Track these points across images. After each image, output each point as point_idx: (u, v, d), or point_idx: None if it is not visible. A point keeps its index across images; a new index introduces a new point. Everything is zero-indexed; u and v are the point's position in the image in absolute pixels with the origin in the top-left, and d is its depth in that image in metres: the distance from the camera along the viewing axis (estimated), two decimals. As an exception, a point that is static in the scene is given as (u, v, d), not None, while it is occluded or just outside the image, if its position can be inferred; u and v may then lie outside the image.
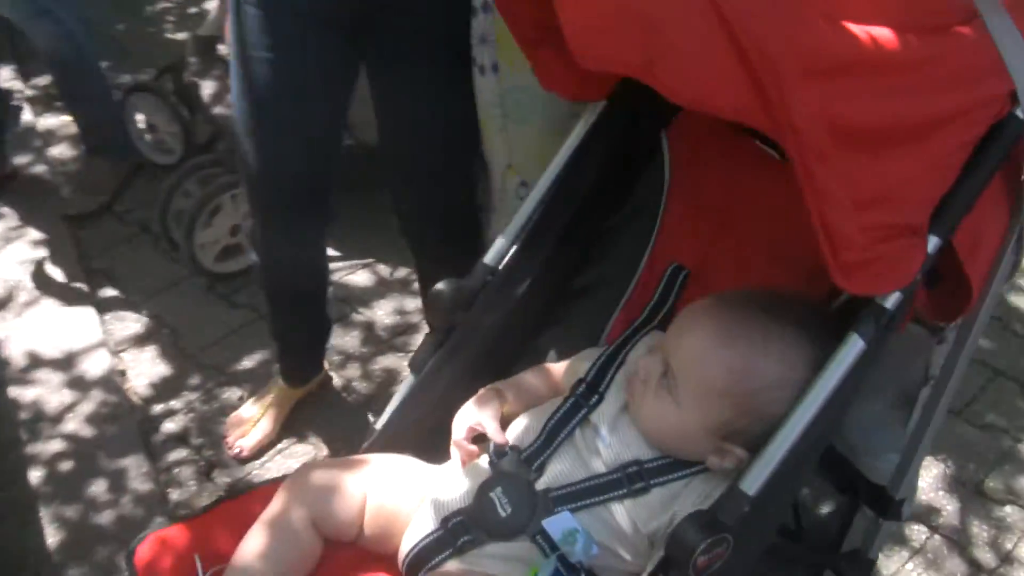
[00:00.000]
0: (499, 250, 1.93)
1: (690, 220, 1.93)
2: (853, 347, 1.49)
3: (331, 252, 3.53)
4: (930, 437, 1.78)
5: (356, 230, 3.58)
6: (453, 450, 1.82)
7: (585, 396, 1.76)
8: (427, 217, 2.64)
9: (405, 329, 3.41)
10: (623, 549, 1.68)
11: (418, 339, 3.35)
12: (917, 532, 2.71)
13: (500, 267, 1.94)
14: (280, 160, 2.44)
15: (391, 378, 3.21)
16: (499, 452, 1.75)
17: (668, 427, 1.65)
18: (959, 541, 2.66)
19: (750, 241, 1.86)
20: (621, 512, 1.66)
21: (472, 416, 1.81)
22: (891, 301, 1.49)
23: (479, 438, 1.81)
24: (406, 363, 3.25)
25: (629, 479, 1.67)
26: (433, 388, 1.95)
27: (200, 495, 2.84)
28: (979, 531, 2.72)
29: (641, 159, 1.97)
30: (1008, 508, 2.79)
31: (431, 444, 1.92)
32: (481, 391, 1.86)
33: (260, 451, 2.96)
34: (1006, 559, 2.66)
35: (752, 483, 1.51)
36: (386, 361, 3.29)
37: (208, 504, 1.82)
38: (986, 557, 2.67)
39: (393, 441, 1.93)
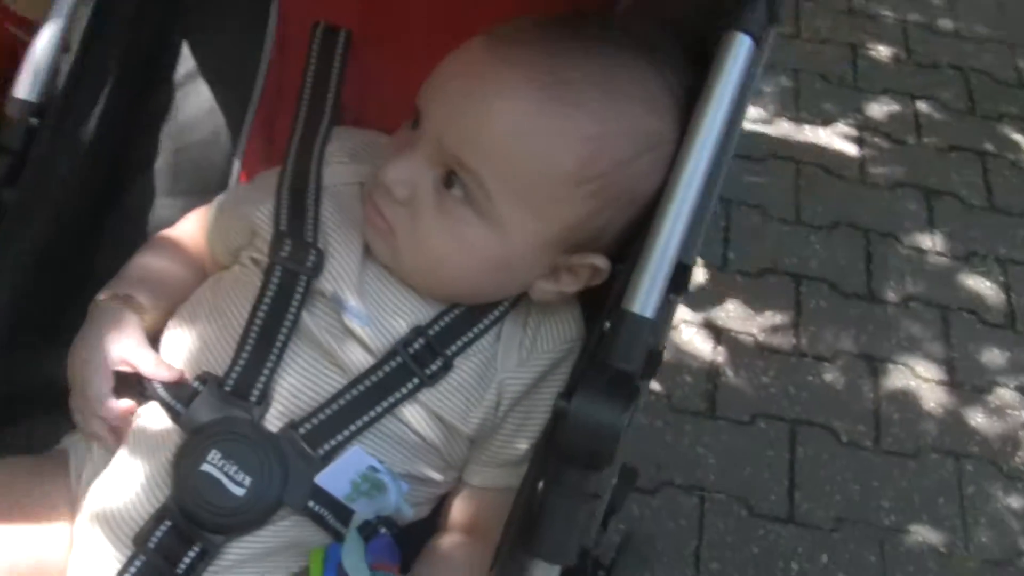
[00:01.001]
0: (40, 76, 1.12)
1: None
2: (740, 50, 0.99)
3: None
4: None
5: None
6: (87, 421, 1.08)
7: (295, 258, 1.09)
8: None
9: None
10: (432, 469, 1.12)
11: None
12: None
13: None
14: None
15: None
16: (182, 394, 1.06)
17: (474, 260, 1.06)
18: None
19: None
20: (419, 415, 1.09)
21: (106, 351, 1.09)
22: (773, -27, 1.01)
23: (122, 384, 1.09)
24: None
25: (417, 360, 1.08)
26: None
27: None
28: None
29: None
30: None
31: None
32: (95, 306, 1.13)
33: None
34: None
35: (647, 299, 0.99)
36: None
37: None
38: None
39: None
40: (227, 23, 1.27)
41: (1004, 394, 2.35)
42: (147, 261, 1.19)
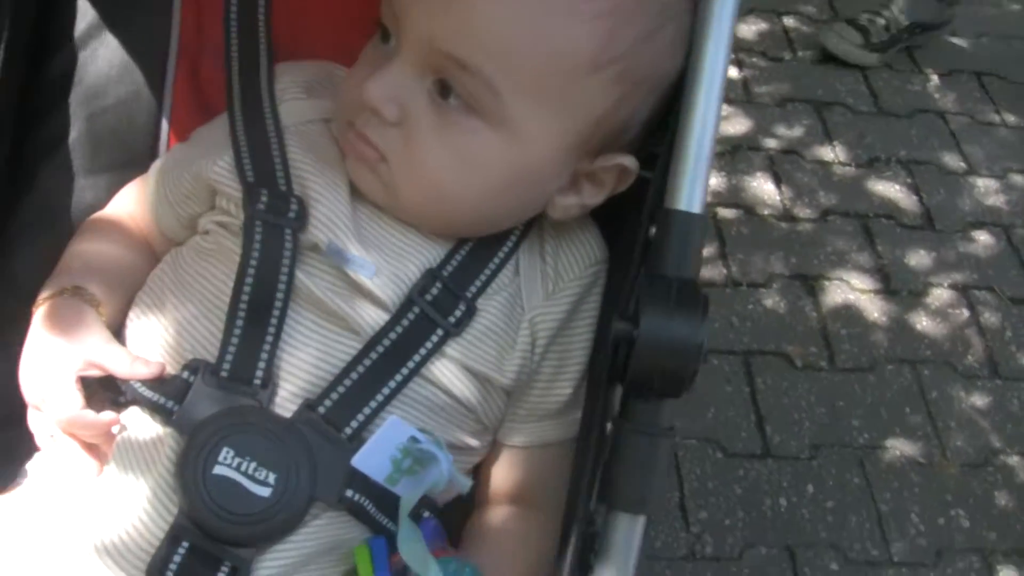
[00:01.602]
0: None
1: None
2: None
3: None
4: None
5: None
6: (57, 442, 0.93)
7: (275, 210, 0.96)
8: None
9: None
10: (468, 434, 1.00)
11: None
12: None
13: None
14: None
15: None
16: (170, 390, 0.91)
17: (484, 179, 0.94)
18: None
19: None
20: (450, 372, 0.97)
21: (66, 355, 0.93)
22: None
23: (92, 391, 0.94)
24: None
25: (438, 308, 0.96)
26: None
27: None
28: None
29: None
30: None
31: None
32: (42, 307, 0.97)
33: None
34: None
35: (692, 193, 0.91)
36: None
37: None
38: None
39: None
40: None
41: (941, 294, 2.36)
42: (87, 247, 1.03)
